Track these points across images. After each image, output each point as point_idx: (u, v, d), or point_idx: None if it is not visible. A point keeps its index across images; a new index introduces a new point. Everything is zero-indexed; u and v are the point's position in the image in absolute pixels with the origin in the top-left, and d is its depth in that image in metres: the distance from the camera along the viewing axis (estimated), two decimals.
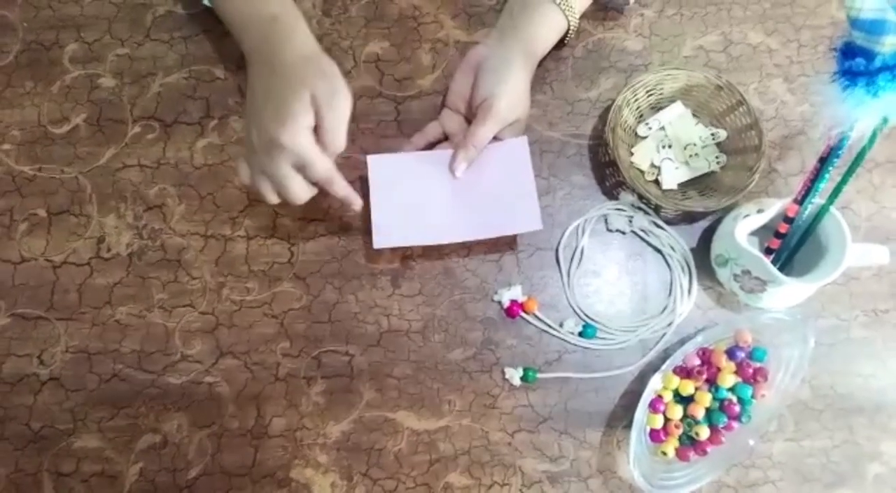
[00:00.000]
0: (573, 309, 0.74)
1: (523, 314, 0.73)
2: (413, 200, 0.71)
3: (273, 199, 0.65)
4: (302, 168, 0.62)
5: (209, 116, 0.78)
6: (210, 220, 0.75)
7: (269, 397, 0.72)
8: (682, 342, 0.72)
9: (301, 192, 0.63)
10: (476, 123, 0.69)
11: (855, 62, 0.51)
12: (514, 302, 0.73)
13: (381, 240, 0.69)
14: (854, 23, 0.49)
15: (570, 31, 0.74)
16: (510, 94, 0.69)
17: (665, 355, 0.72)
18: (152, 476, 0.71)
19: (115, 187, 0.76)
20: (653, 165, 0.76)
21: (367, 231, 0.74)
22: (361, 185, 0.75)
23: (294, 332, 0.73)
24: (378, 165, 0.71)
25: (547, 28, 0.72)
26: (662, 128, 0.76)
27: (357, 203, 0.67)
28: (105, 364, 0.73)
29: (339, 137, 0.62)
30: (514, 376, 0.72)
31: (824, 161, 0.62)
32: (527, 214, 0.70)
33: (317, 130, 0.61)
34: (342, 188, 0.65)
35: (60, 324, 0.73)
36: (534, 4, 0.72)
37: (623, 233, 0.75)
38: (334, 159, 0.63)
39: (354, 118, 0.77)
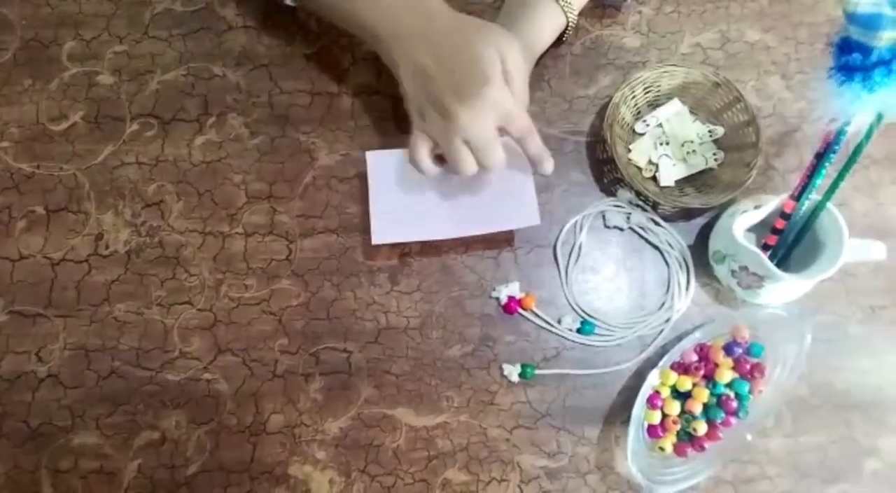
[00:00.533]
0: (571, 306, 0.74)
1: (521, 311, 0.73)
2: (411, 195, 0.71)
3: (471, 168, 0.63)
4: (503, 125, 0.62)
5: (207, 114, 0.78)
6: (208, 217, 0.75)
7: (267, 394, 0.72)
8: (679, 339, 0.72)
9: (501, 154, 0.63)
10: None
11: (851, 57, 0.51)
12: (512, 299, 0.73)
13: (379, 236, 0.70)
14: (851, 17, 0.49)
15: (569, 29, 0.74)
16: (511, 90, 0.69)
17: (663, 352, 0.72)
18: (151, 473, 0.71)
19: (113, 185, 0.76)
20: (650, 162, 0.76)
21: (365, 229, 0.74)
22: (360, 182, 0.75)
23: (292, 329, 0.73)
24: (376, 162, 0.72)
25: (546, 25, 0.73)
26: (660, 125, 0.76)
27: (550, 163, 0.66)
28: (103, 361, 0.73)
29: (525, 87, 0.64)
30: (513, 372, 0.72)
31: (821, 157, 0.62)
32: (525, 210, 0.70)
33: None
34: (538, 143, 0.65)
35: (59, 321, 0.73)
36: (533, 2, 0.72)
37: (621, 230, 0.76)
38: None
39: (353, 115, 0.77)
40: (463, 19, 0.64)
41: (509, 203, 0.71)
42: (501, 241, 0.75)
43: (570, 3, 0.72)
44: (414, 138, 0.65)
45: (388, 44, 0.66)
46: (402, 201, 0.71)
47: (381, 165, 0.72)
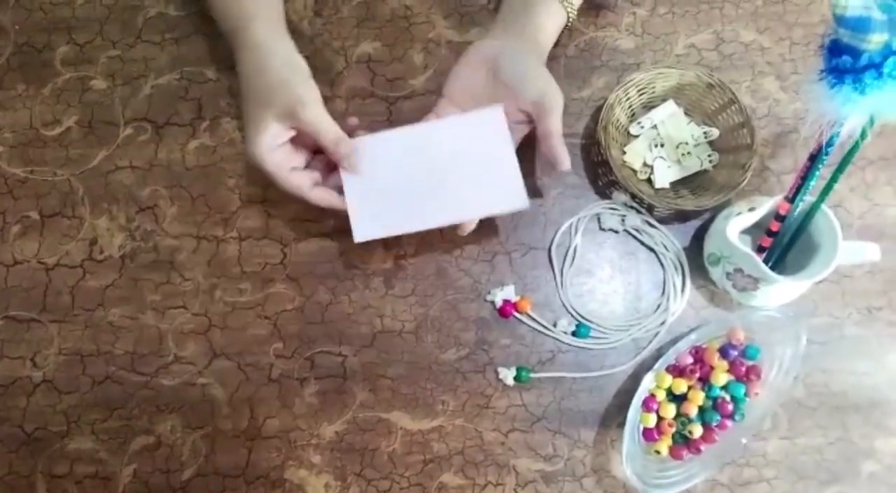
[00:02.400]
0: (566, 308, 0.74)
1: (516, 314, 0.73)
2: (389, 185, 0.68)
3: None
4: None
5: (201, 118, 0.78)
6: (202, 221, 0.75)
7: (262, 399, 0.72)
8: (675, 341, 0.72)
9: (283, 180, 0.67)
10: (548, 123, 0.66)
11: (841, 60, 0.51)
12: (507, 302, 0.73)
13: (361, 232, 0.67)
14: (840, 20, 0.49)
15: (568, 26, 0.74)
16: (553, 83, 0.68)
17: (658, 354, 0.72)
18: (146, 478, 0.71)
19: (107, 189, 0.76)
20: (645, 164, 0.76)
21: None
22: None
23: (287, 333, 0.73)
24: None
25: (548, 23, 0.72)
26: (654, 127, 0.76)
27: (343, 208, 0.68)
28: (98, 366, 0.73)
29: (326, 128, 0.66)
30: (508, 375, 0.72)
31: (815, 158, 0.62)
32: (510, 191, 0.66)
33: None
34: (320, 200, 0.68)
35: (53, 326, 0.74)
36: (534, 1, 0.71)
37: (616, 232, 0.75)
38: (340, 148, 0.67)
39: (346, 118, 0.77)
40: (258, 77, 0.67)
41: (492, 185, 0.67)
42: (496, 243, 0.75)
43: (571, 2, 0.71)
44: None
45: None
46: (380, 192, 0.68)
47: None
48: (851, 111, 0.53)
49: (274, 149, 0.66)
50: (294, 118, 0.65)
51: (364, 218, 0.67)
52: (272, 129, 0.65)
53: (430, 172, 0.68)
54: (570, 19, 0.73)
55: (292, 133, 0.66)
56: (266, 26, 0.69)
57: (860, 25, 0.48)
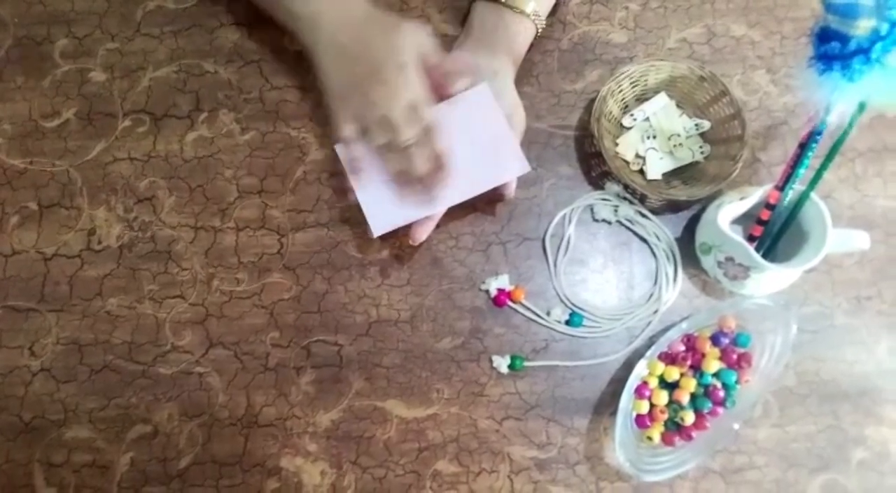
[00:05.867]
0: (560, 298, 0.75)
1: (510, 303, 0.74)
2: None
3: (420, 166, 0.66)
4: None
5: (199, 110, 0.78)
6: (200, 212, 0.76)
7: (258, 387, 0.73)
8: (667, 330, 0.73)
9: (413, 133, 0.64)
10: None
11: (830, 46, 0.52)
12: (501, 291, 0.74)
13: (378, 227, 0.68)
14: (828, 6, 0.50)
15: (538, 36, 0.76)
16: (520, 106, 0.73)
17: (650, 343, 0.72)
18: (143, 466, 0.71)
19: (105, 180, 0.77)
20: (637, 156, 0.77)
21: (355, 222, 0.74)
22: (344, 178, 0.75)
23: (284, 322, 0.74)
24: (348, 151, 0.69)
25: (523, 37, 0.74)
26: (647, 119, 0.77)
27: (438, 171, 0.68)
28: (96, 355, 0.73)
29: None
30: (502, 364, 0.73)
31: (804, 147, 0.63)
32: (511, 160, 0.68)
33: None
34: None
35: (51, 316, 0.74)
36: (509, 18, 0.73)
37: (609, 223, 0.76)
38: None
39: None
40: (378, 11, 0.67)
41: (494, 158, 0.69)
42: (491, 233, 0.76)
43: (540, 17, 0.73)
44: (336, 118, 0.66)
45: (307, 23, 0.68)
46: (389, 187, 0.69)
47: (354, 152, 0.69)
48: (840, 97, 0.54)
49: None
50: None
51: (378, 213, 0.69)
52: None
53: None
54: (539, 30, 0.75)
55: None
56: None
57: (848, 11, 0.49)
